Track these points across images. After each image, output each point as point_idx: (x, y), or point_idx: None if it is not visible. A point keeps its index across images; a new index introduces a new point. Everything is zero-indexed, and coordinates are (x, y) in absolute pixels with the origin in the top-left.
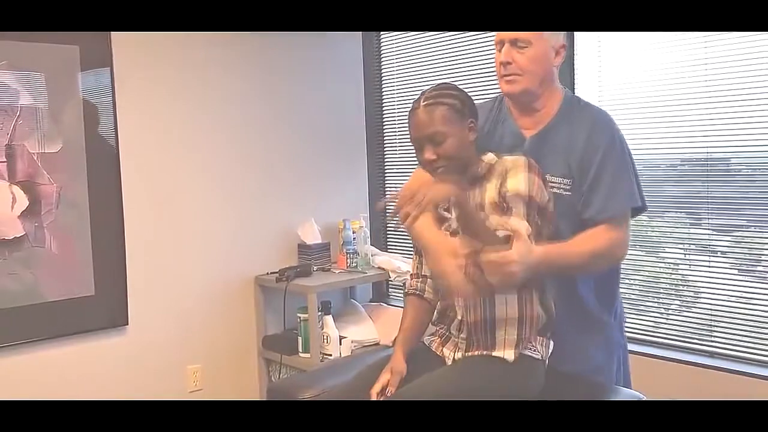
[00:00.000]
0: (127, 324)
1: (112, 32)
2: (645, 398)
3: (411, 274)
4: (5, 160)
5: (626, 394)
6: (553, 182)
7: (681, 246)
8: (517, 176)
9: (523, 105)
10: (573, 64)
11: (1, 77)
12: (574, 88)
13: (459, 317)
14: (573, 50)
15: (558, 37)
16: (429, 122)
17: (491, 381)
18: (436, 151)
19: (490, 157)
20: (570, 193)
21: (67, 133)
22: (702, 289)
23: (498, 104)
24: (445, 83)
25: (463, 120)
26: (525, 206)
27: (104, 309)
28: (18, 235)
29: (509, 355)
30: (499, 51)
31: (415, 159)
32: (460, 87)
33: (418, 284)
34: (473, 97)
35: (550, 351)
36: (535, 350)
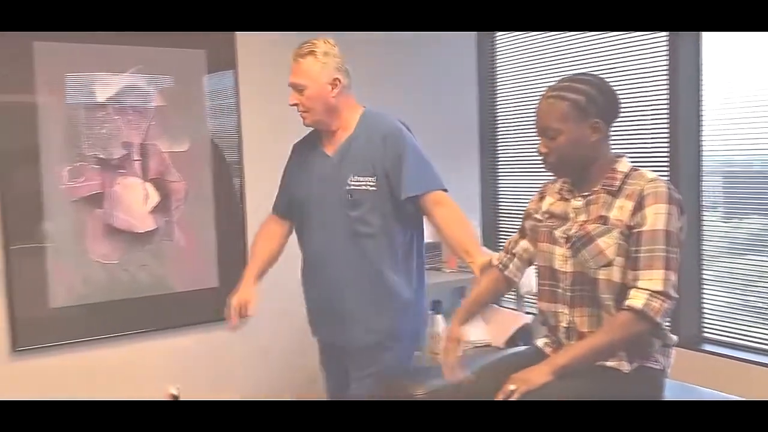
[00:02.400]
0: (248, 315)
1: (236, 37)
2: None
3: (503, 250)
4: (139, 158)
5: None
6: (360, 181)
7: None
8: (656, 209)
9: (327, 132)
10: (699, 66)
11: (136, 81)
12: (699, 89)
13: (565, 325)
14: (699, 50)
15: (329, 74)
16: (545, 115)
17: (605, 391)
18: (548, 145)
19: (624, 165)
20: (375, 189)
21: (194, 133)
22: None
23: (312, 135)
24: (584, 74)
25: (584, 118)
26: (665, 242)
27: (227, 300)
28: (149, 230)
29: (624, 366)
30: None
31: (527, 161)
32: (601, 81)
33: (505, 259)
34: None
35: (671, 361)
36: (655, 361)
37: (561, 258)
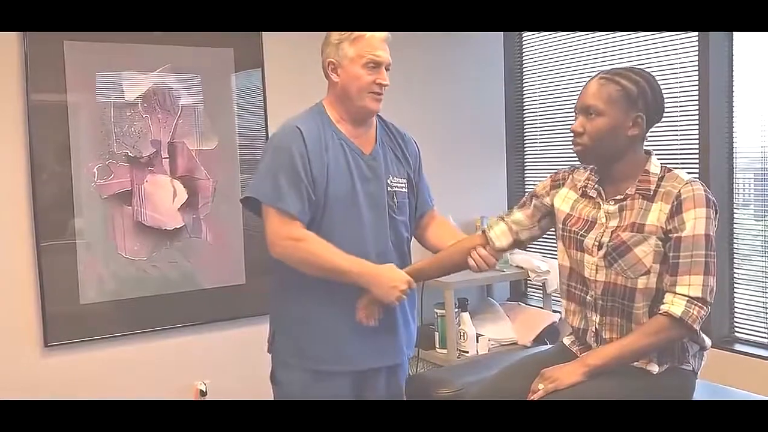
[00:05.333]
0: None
1: (263, 35)
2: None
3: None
4: (167, 156)
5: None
6: (400, 183)
7: None
8: (696, 213)
9: (359, 124)
10: (731, 62)
11: (165, 79)
12: (731, 85)
13: (593, 330)
14: (731, 46)
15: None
16: (592, 93)
17: (634, 392)
18: (584, 125)
19: (656, 165)
20: (406, 191)
21: (221, 131)
22: None
23: (326, 125)
24: (640, 69)
25: (630, 109)
26: (705, 247)
27: (254, 297)
28: (178, 226)
29: (653, 367)
30: (378, 69)
31: (554, 157)
32: (654, 80)
33: (493, 221)
34: None
35: (703, 362)
36: (687, 363)
37: (592, 267)
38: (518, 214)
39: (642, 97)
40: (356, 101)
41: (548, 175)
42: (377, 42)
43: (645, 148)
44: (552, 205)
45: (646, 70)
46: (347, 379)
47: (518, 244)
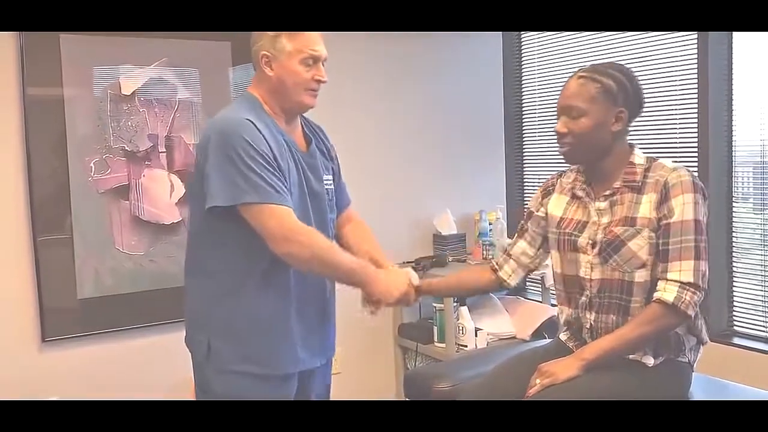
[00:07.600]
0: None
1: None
2: None
3: (502, 251)
4: (165, 150)
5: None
6: (329, 180)
7: None
8: (683, 199)
9: (291, 120)
10: (730, 55)
11: (161, 73)
12: (730, 78)
13: (587, 326)
14: (730, 40)
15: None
16: (573, 94)
17: (629, 384)
18: (568, 125)
19: (640, 156)
20: (333, 187)
21: None
22: None
23: (267, 120)
24: (617, 64)
25: (611, 105)
26: (694, 232)
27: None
28: (175, 221)
29: (648, 359)
30: (315, 65)
31: (553, 153)
32: (632, 74)
33: (501, 259)
34: None
35: (699, 355)
36: (682, 355)
37: (587, 265)
38: (522, 244)
39: (622, 92)
40: (293, 96)
41: (546, 170)
42: (315, 37)
43: (629, 141)
44: (546, 213)
45: (641, 64)
46: (294, 380)
47: (529, 272)
